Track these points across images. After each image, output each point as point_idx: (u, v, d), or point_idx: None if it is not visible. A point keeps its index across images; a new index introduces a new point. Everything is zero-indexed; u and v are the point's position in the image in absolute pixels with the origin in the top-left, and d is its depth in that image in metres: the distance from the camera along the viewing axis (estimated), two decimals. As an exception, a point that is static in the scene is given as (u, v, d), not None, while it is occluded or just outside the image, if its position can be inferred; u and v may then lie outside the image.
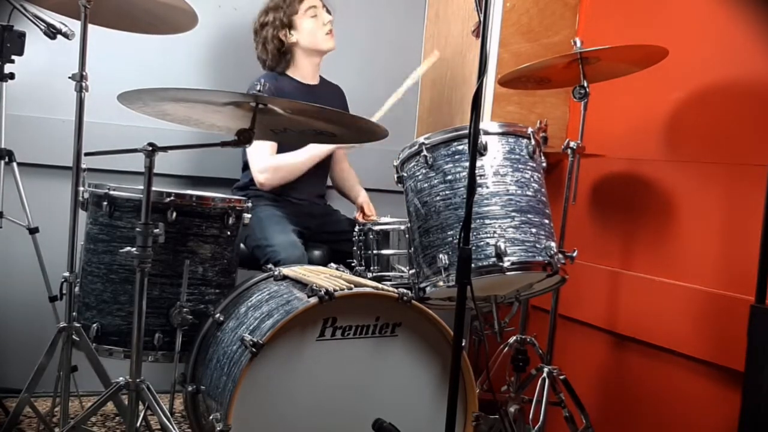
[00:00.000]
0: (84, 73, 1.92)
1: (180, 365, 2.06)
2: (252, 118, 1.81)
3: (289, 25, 2.79)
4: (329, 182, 3.10)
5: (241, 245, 2.52)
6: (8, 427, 2.00)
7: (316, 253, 2.71)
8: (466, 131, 1.78)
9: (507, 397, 2.41)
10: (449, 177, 2.02)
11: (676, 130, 2.43)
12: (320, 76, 2.94)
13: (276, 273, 2.10)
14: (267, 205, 2.76)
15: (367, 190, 3.14)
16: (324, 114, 1.91)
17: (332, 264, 2.29)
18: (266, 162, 2.71)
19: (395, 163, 2.18)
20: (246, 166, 2.86)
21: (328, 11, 2.86)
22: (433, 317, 1.94)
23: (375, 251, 2.31)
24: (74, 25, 2.05)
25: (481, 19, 1.63)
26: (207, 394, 1.91)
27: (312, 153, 2.75)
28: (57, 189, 2.66)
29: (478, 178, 1.97)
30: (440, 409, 1.75)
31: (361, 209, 2.94)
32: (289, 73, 2.88)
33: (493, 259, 1.94)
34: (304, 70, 2.88)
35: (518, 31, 2.78)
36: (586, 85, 2.25)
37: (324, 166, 2.95)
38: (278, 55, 2.83)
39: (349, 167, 3.08)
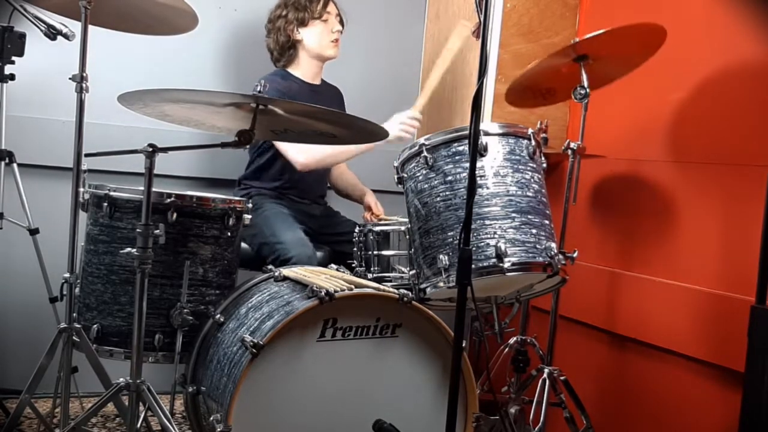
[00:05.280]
0: (84, 74, 1.93)
1: (180, 366, 2.06)
2: (252, 119, 1.81)
3: (302, 23, 2.81)
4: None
5: (243, 244, 2.52)
6: (9, 427, 2.00)
7: (318, 254, 2.71)
8: (467, 132, 1.79)
9: (507, 397, 2.41)
10: (449, 178, 2.02)
11: (677, 130, 2.43)
12: (321, 78, 2.96)
13: (276, 274, 2.10)
14: (271, 203, 2.77)
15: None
16: (324, 115, 1.91)
17: (333, 265, 2.29)
18: (304, 146, 2.68)
19: (395, 164, 2.18)
20: (251, 164, 2.88)
21: (341, 22, 2.88)
22: (433, 318, 1.94)
23: (375, 252, 2.31)
24: (75, 26, 2.05)
25: (482, 19, 1.63)
26: (207, 395, 1.91)
27: (358, 148, 2.68)
28: (57, 190, 2.66)
29: (478, 178, 1.97)
30: (441, 409, 1.75)
31: (369, 208, 2.92)
32: (294, 70, 2.89)
33: (494, 260, 1.94)
34: (307, 70, 2.89)
35: (518, 31, 2.77)
36: (586, 85, 2.24)
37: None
38: (282, 49, 2.85)
39: (347, 169, 3.07)
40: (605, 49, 2.23)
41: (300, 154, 2.69)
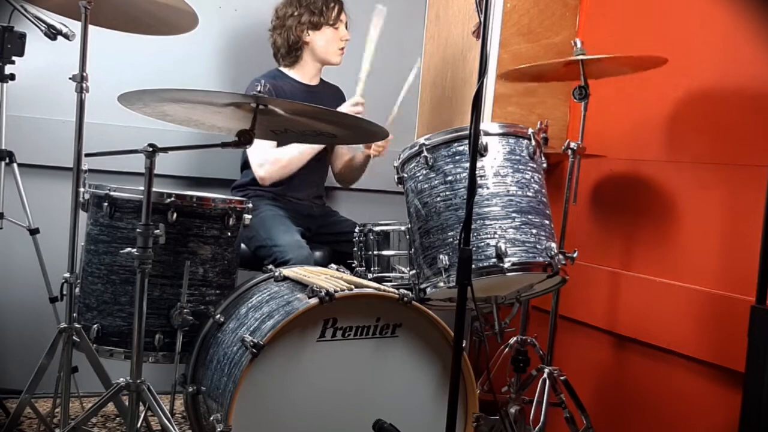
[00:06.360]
0: (84, 74, 1.93)
1: (180, 366, 2.06)
2: (252, 119, 1.81)
3: (314, 27, 2.82)
4: (332, 183, 3.10)
5: (242, 245, 2.52)
6: (9, 427, 2.00)
7: (317, 254, 2.71)
8: (467, 132, 1.79)
9: (507, 397, 2.41)
10: (450, 178, 2.02)
11: (677, 130, 2.43)
12: (320, 78, 2.96)
13: (276, 274, 2.10)
14: (268, 205, 2.76)
15: (368, 191, 3.15)
16: (324, 115, 1.91)
17: (333, 265, 2.29)
18: (266, 155, 2.71)
19: (396, 164, 2.18)
20: (245, 166, 2.86)
21: (346, 28, 2.90)
22: (433, 318, 1.94)
23: (375, 252, 2.31)
24: (75, 26, 2.05)
25: (482, 19, 1.63)
26: (207, 395, 1.91)
27: (303, 148, 2.74)
28: (57, 190, 2.66)
29: (478, 178, 1.97)
30: (441, 409, 1.75)
31: (369, 147, 2.87)
32: (293, 71, 2.89)
33: (494, 260, 1.94)
34: (307, 71, 2.89)
35: (519, 31, 2.78)
36: (586, 85, 2.24)
37: (322, 166, 2.95)
38: (291, 48, 2.85)
39: (341, 164, 3.06)
40: (606, 67, 2.26)
41: (260, 168, 2.71)
